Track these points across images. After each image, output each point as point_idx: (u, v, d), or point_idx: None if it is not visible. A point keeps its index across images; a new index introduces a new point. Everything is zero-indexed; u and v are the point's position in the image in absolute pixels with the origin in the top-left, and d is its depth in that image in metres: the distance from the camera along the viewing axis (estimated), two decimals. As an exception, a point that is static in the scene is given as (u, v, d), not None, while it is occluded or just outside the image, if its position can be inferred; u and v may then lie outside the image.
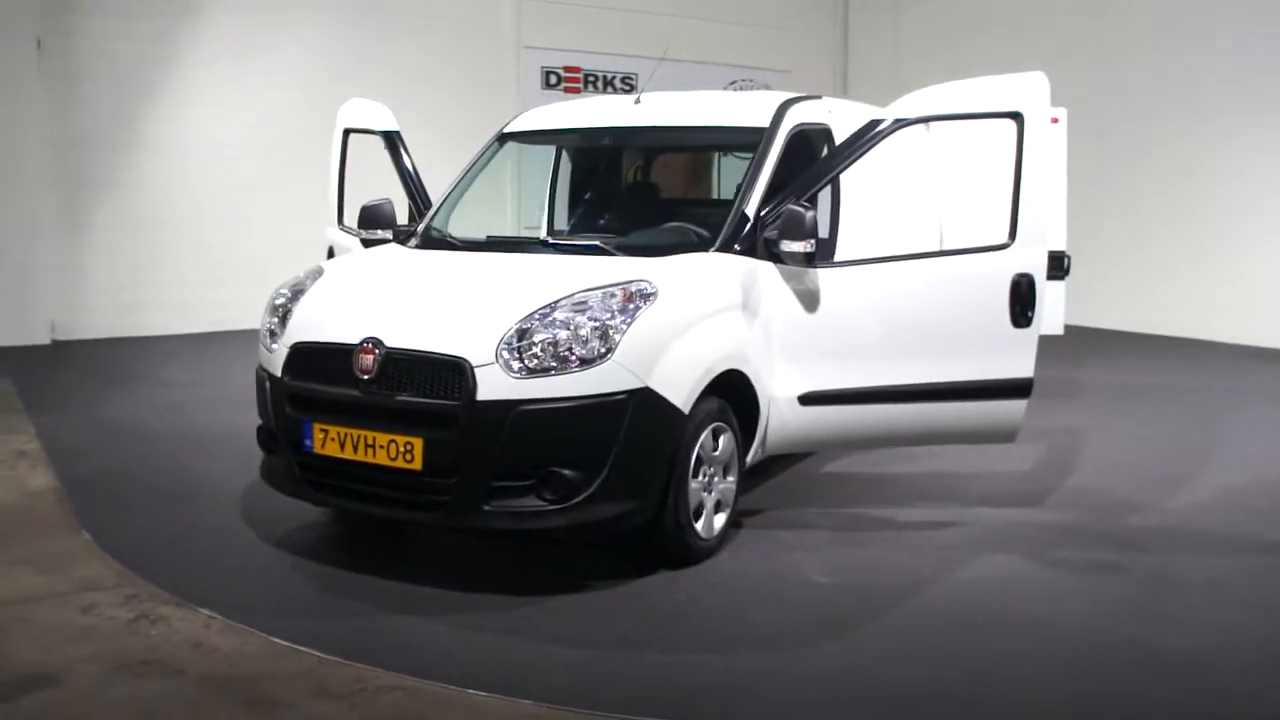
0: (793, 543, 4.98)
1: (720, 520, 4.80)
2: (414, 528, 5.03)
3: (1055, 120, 7.29)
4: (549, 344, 4.18)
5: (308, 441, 4.46)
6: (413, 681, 3.61)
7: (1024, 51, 12.55)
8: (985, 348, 5.05)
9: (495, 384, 4.13)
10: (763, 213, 4.98)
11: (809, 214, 4.80)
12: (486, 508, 4.19)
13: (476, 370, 4.13)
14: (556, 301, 4.30)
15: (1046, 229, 5.08)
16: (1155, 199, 11.81)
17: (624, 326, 4.24)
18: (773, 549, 4.88)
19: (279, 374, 4.62)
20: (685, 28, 13.81)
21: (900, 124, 5.04)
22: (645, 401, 4.26)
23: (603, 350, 4.19)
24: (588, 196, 6.23)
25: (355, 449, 4.32)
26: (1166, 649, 3.89)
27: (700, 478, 4.61)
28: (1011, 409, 5.11)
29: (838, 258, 5.44)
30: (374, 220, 5.73)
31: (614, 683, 3.64)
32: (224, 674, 3.68)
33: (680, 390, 4.38)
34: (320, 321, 4.61)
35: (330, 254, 6.54)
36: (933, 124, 7.57)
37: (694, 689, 3.60)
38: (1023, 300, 4.99)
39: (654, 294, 4.39)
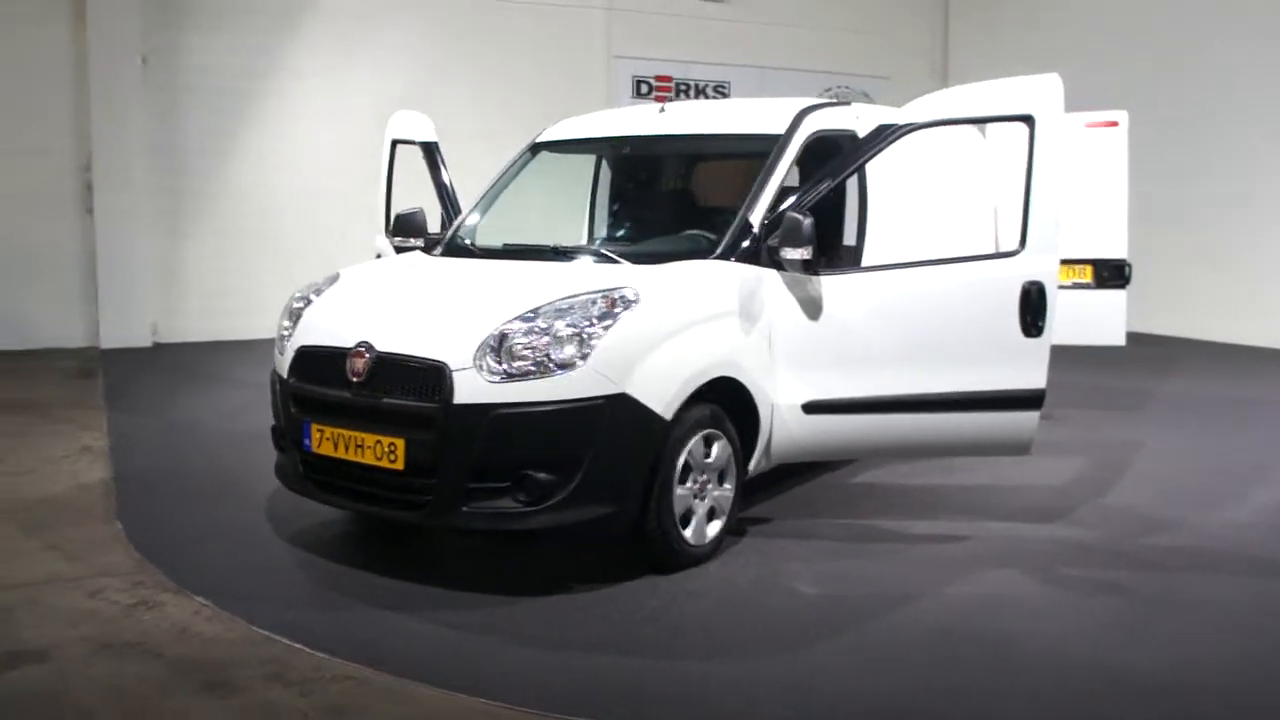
0: (792, 552, 4.95)
1: (715, 527, 4.80)
2: (427, 529, 5.17)
3: (1115, 124, 7.09)
4: (526, 349, 4.25)
5: (307, 441, 4.65)
6: (367, 673, 3.73)
7: (1122, 54, 12.17)
8: (995, 357, 4.94)
9: (472, 388, 4.23)
10: (767, 220, 4.97)
11: (806, 221, 4.77)
12: (465, 508, 4.29)
13: (455, 374, 4.24)
14: (538, 308, 4.38)
15: (1059, 235, 4.93)
16: (1234, 201, 11.39)
17: (601, 333, 4.29)
18: (768, 558, 4.86)
19: (286, 376, 4.82)
20: (779, 35, 13.81)
21: (909, 129, 4.95)
22: (622, 407, 4.30)
23: (579, 356, 4.25)
24: (619, 204, 6.30)
25: (347, 449, 4.48)
26: (1142, 673, 3.74)
27: (689, 484, 4.62)
28: (1023, 420, 4.98)
29: (865, 264, 5.39)
30: (406, 229, 5.92)
31: (564, 683, 3.68)
32: (196, 658, 3.86)
33: (661, 397, 4.41)
34: (323, 326, 4.79)
35: (378, 261, 6.75)
36: (987, 128, 7.51)
37: (643, 692, 3.62)
38: (1033, 309, 4.86)
39: (635, 301, 4.43)
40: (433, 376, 4.28)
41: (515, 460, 4.25)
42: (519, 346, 4.26)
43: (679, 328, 4.53)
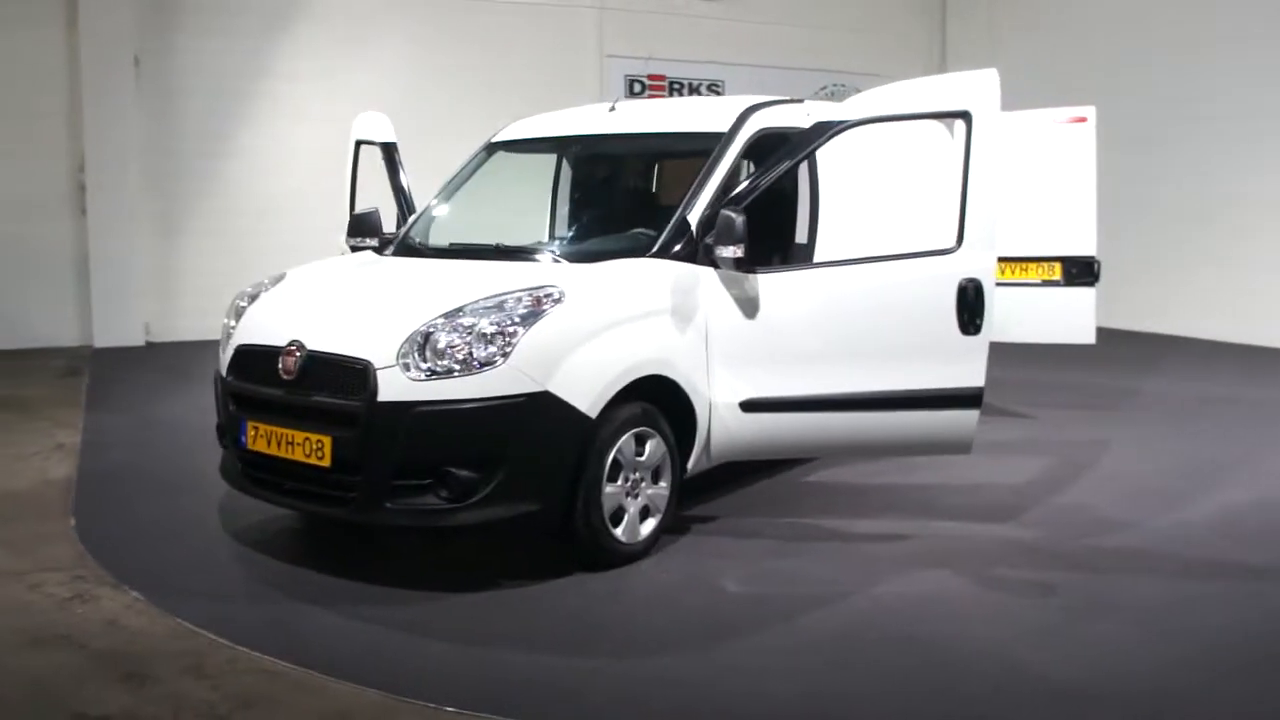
0: (729, 551, 4.96)
1: (649, 526, 4.81)
2: (369, 527, 5.20)
3: (1084, 120, 7.05)
4: (448, 348, 4.29)
5: (243, 438, 4.71)
6: (282, 666, 3.78)
7: (1121, 52, 12.10)
8: (933, 356, 4.93)
9: (395, 385, 4.27)
10: (706, 219, 4.98)
11: (738, 219, 4.78)
12: (389, 505, 4.34)
13: (378, 372, 4.29)
14: (463, 306, 4.41)
15: (996, 232, 4.92)
16: (1225, 199, 11.34)
17: (524, 331, 4.32)
18: (704, 556, 4.87)
19: (225, 374, 4.88)
20: (773, 33, 13.79)
21: (844, 126, 4.95)
22: (544, 405, 4.33)
23: (500, 354, 4.28)
24: (571, 203, 6.33)
25: (279, 446, 4.54)
26: (1051, 675, 3.71)
27: (619, 482, 4.64)
28: (962, 419, 4.97)
29: (816, 262, 5.38)
30: (361, 229, 5.97)
31: (469, 678, 3.72)
32: (120, 650, 3.93)
33: (586, 395, 4.43)
34: (260, 325, 4.85)
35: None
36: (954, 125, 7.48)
37: (541, 689, 3.64)
38: (970, 307, 4.85)
39: (559, 300, 4.45)
40: (358, 374, 4.33)
41: (437, 457, 4.28)
42: (442, 345, 4.30)
43: (605, 326, 4.55)
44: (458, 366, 4.28)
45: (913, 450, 5.28)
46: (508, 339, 4.30)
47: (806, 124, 5.60)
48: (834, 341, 4.99)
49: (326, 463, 4.39)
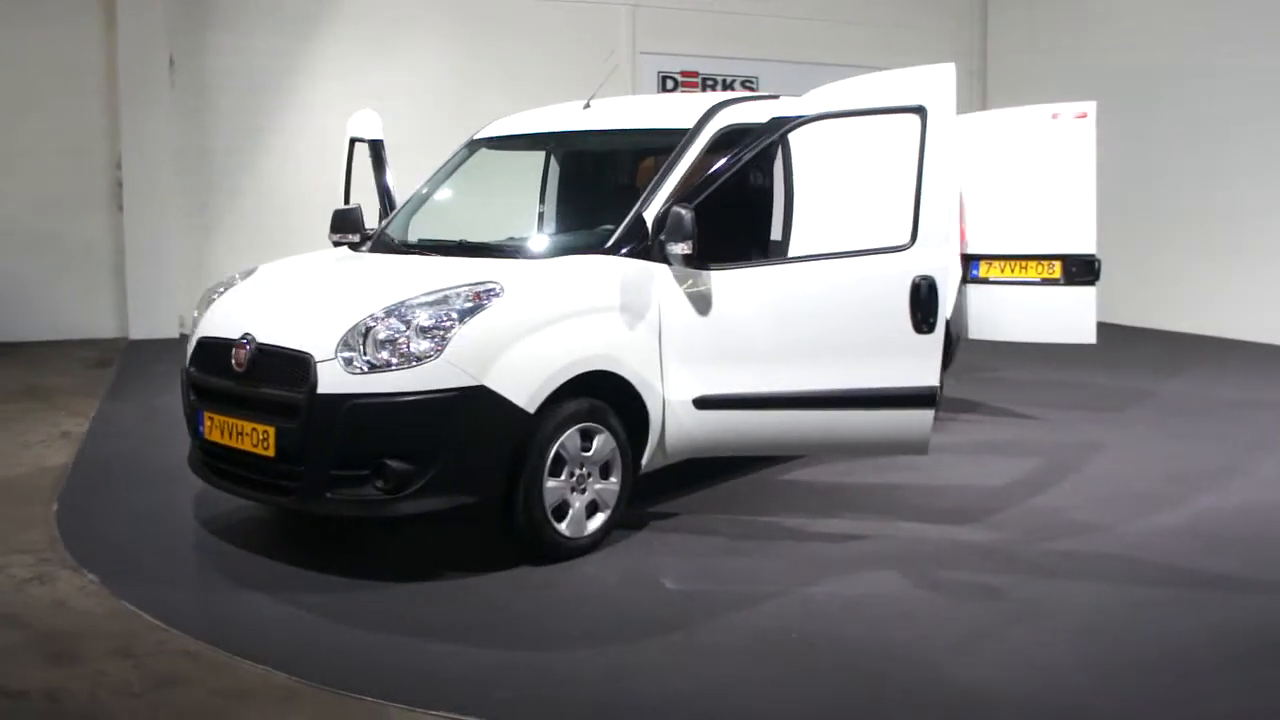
0: (681, 547, 4.97)
1: (597, 521, 4.84)
2: (336, 518, 5.26)
3: (1084, 115, 6.92)
4: (385, 341, 4.36)
5: (201, 428, 4.84)
6: (206, 648, 3.89)
7: (1164, 47, 11.82)
8: (886, 354, 4.89)
9: (333, 378, 4.35)
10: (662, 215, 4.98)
11: (687, 215, 4.78)
12: (329, 495, 4.42)
13: (318, 365, 4.37)
14: (404, 301, 4.47)
15: (951, 229, 4.86)
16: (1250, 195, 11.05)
17: (459, 326, 4.37)
18: (652, 552, 4.88)
19: (188, 365, 5.01)
20: (808, 29, 13.69)
21: (798, 122, 4.93)
22: (480, 399, 4.37)
23: (435, 349, 4.33)
24: (548, 199, 6.38)
25: (230, 436, 4.66)
26: (959, 682, 3.65)
27: (563, 477, 4.67)
28: (916, 419, 4.92)
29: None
30: (343, 225, 6.07)
31: (378, 664, 3.77)
32: (59, 630, 4.07)
33: (524, 390, 4.46)
34: (221, 318, 4.97)
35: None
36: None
37: (446, 677, 3.69)
38: (923, 305, 4.80)
39: (498, 295, 4.50)
40: (300, 367, 4.42)
41: (373, 449, 4.35)
42: (381, 339, 4.37)
43: (545, 322, 4.58)
44: (395, 360, 4.34)
45: (868, 450, 5.24)
46: (444, 334, 4.35)
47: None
48: (786, 339, 4.96)
49: (271, 453, 4.49)
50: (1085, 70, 12.29)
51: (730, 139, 5.38)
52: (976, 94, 14.15)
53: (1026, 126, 7.25)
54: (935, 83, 4.82)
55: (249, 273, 5.43)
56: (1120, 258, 12.17)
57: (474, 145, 6.27)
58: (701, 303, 4.97)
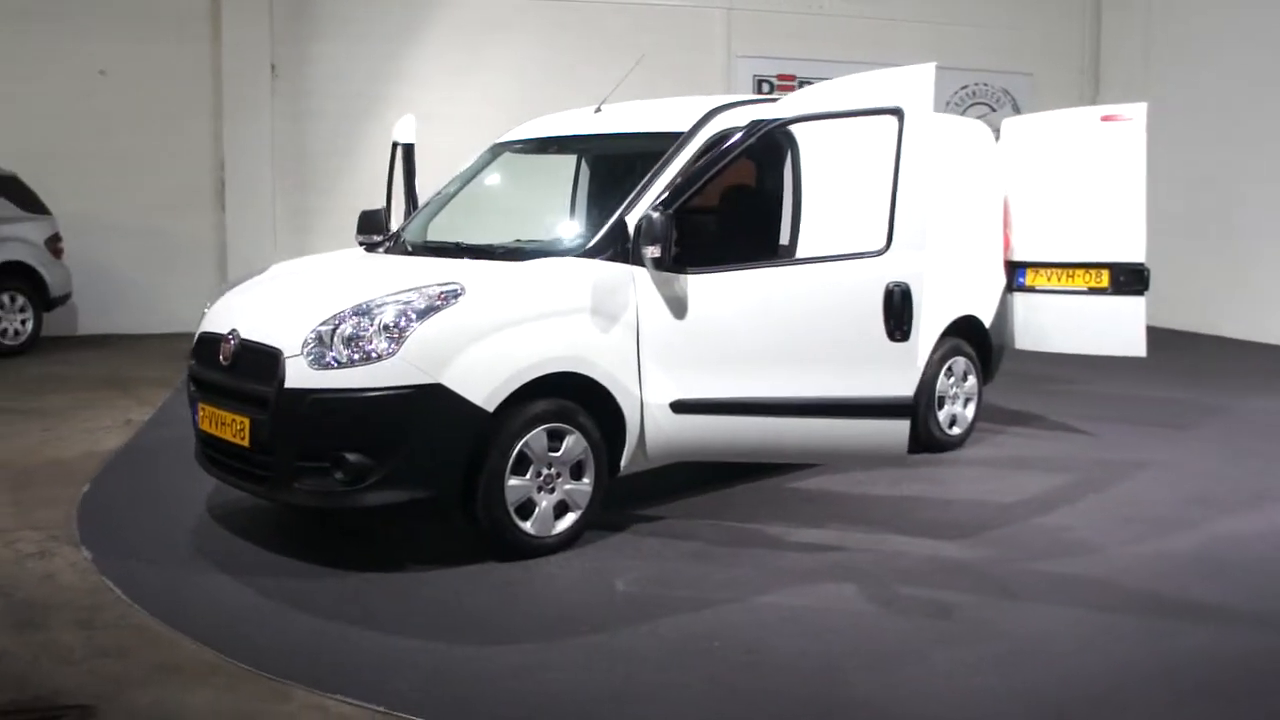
0: (652, 551, 4.96)
1: (566, 521, 4.88)
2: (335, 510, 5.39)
3: (1131, 118, 6.62)
4: (349, 339, 4.50)
5: (196, 418, 5.09)
6: (157, 625, 4.10)
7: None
8: (860, 363, 4.79)
9: (299, 373, 4.52)
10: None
11: (658, 218, 4.78)
12: (296, 485, 4.59)
13: (287, 360, 4.55)
14: (370, 300, 4.61)
15: (927, 234, 4.72)
16: None
17: (417, 326, 4.48)
18: (619, 554, 4.89)
19: (190, 359, 5.28)
20: (910, 30, 13.43)
21: (772, 124, 4.89)
22: (436, 397, 4.47)
23: (394, 347, 4.46)
24: (570, 201, 6.45)
25: (216, 426, 4.89)
26: (868, 701, 3.53)
27: (527, 476, 4.73)
28: (892, 429, 4.80)
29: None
30: (367, 226, 6.29)
31: (307, 649, 3.91)
32: (37, 601, 4.34)
33: (481, 389, 4.54)
34: (219, 314, 5.23)
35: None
36: (999, 125, 7.20)
37: (361, 665, 3.78)
38: (897, 312, 4.68)
39: (459, 296, 4.59)
40: (271, 361, 4.60)
41: (333, 442, 4.50)
42: (345, 336, 4.52)
43: (507, 323, 4.64)
44: (357, 357, 4.48)
45: (844, 458, 5.13)
46: (403, 333, 4.47)
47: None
48: (762, 344, 4.92)
49: (246, 443, 4.69)
50: (1205, 68, 11.70)
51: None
52: (1087, 94, 13.60)
53: (1075, 129, 6.96)
54: (913, 84, 4.70)
55: (260, 272, 5.67)
56: (1218, 263, 11.59)
57: (497, 149, 6.40)
58: (679, 306, 4.97)
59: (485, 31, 12.39)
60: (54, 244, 10.41)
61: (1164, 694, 3.66)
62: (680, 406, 5.00)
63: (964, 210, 6.84)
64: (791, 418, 4.93)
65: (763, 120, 4.94)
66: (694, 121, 5.37)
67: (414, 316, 4.51)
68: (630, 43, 12.71)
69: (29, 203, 10.26)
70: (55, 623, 4.13)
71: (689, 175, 5.01)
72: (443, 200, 6.29)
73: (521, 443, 4.69)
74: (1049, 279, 7.06)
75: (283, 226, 11.86)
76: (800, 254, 5.15)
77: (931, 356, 6.62)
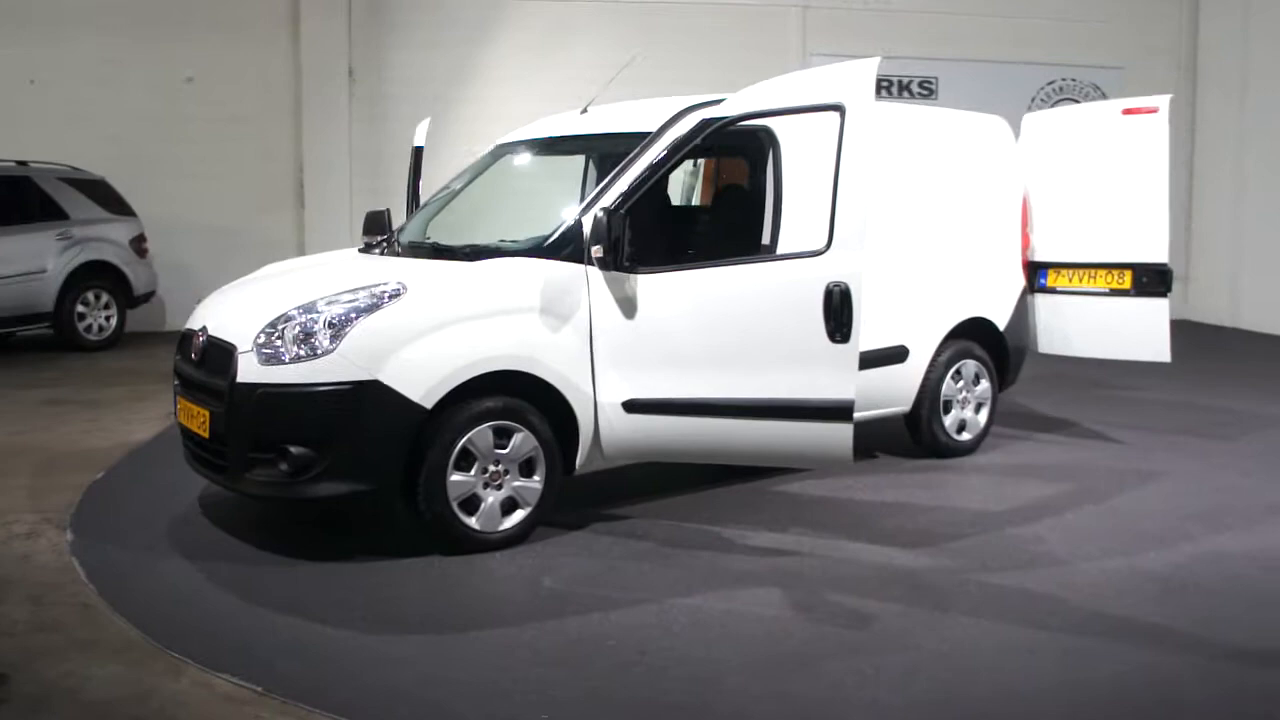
0: (599, 549, 4.98)
1: (515, 517, 4.94)
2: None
3: (1155, 110, 6.34)
4: (295, 336, 4.66)
5: (175, 410, 5.34)
6: (100, 603, 4.34)
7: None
8: (802, 364, 4.72)
9: (249, 368, 4.70)
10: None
11: (604, 219, 4.80)
12: (249, 476, 4.78)
13: (239, 356, 4.74)
14: (318, 298, 4.76)
15: (867, 233, 4.61)
16: None
17: (357, 323, 4.61)
18: (564, 552, 4.92)
19: (175, 355, 5.54)
20: (993, 25, 13.06)
21: (719, 123, 4.85)
22: (373, 393, 4.59)
23: (333, 345, 4.59)
24: (581, 198, 6.47)
25: (188, 419, 5.12)
26: (736, 710, 3.51)
27: (472, 472, 4.81)
28: (835, 433, 4.70)
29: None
30: (372, 226, 6.49)
31: (222, 634, 4.07)
32: (3, 577, 4.63)
33: (420, 386, 4.63)
34: (199, 310, 5.47)
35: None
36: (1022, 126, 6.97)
37: (256, 646, 3.94)
38: (836, 313, 4.59)
39: (400, 295, 4.70)
40: (227, 357, 4.80)
41: (278, 435, 4.66)
42: (292, 333, 4.68)
43: (447, 322, 4.73)
44: (303, 353, 4.64)
45: (789, 461, 5.05)
46: (343, 331, 4.61)
47: (769, 121, 5.50)
48: (706, 344, 4.89)
49: (206, 434, 4.91)
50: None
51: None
52: (1184, 89, 12.95)
53: (1096, 123, 6.68)
54: (854, 79, 4.60)
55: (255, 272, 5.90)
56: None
57: (499, 150, 6.51)
58: (629, 306, 4.98)
59: (556, 33, 12.55)
60: (139, 244, 10.99)
61: (1056, 715, 3.51)
62: (632, 406, 5.00)
63: (975, 208, 6.63)
64: (738, 419, 4.88)
65: (710, 119, 4.91)
66: (662, 122, 5.36)
67: (355, 315, 4.64)
68: (702, 41, 12.72)
69: (115, 205, 10.87)
70: (11, 598, 4.40)
71: (640, 175, 5.01)
72: (442, 201, 6.44)
73: (465, 439, 4.77)
74: (1070, 280, 6.80)
75: (359, 224, 12.19)
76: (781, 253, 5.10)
77: (936, 359, 6.45)
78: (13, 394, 8.57)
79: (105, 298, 10.70)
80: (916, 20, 12.92)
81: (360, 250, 6.20)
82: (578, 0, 12.68)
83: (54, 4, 11.45)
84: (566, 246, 5.03)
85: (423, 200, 6.86)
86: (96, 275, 10.61)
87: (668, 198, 6.87)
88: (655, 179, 4.98)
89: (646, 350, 4.98)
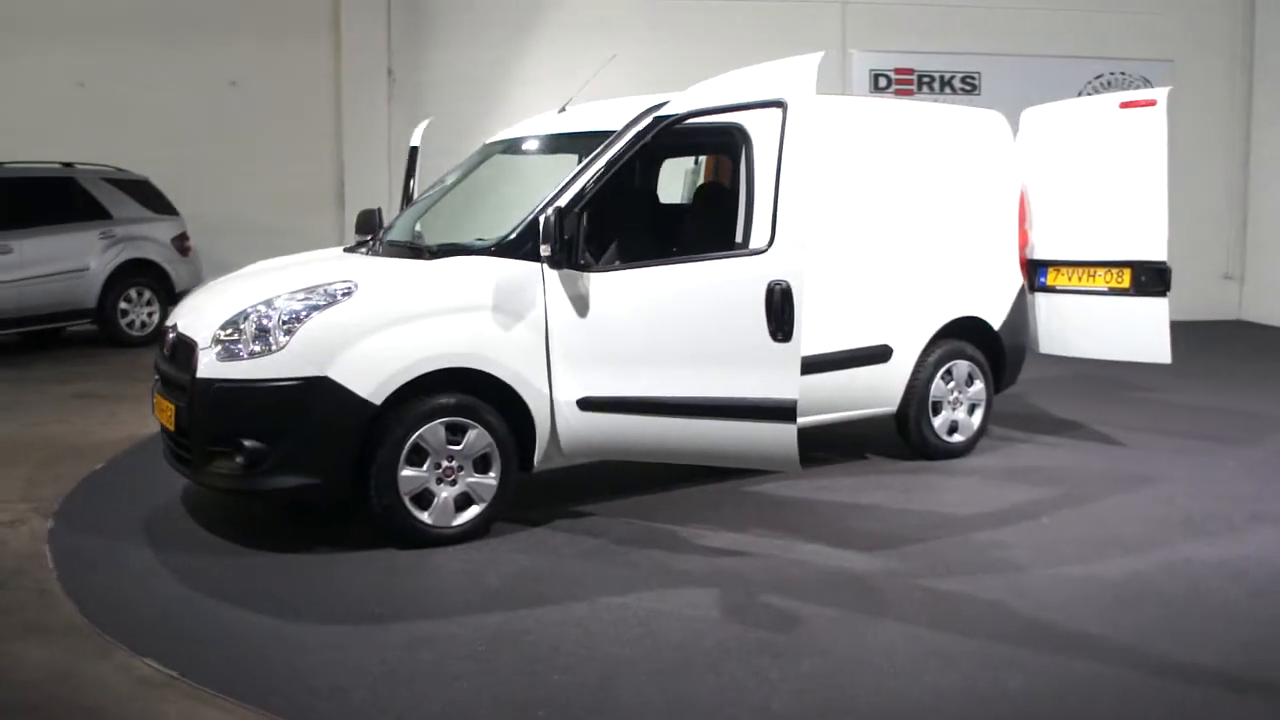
0: (549, 547, 5.00)
1: (470, 513, 4.99)
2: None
3: (1153, 103, 6.16)
4: (251, 333, 4.77)
5: (151, 406, 5.50)
6: (56, 588, 4.50)
7: None
8: (745, 364, 4.68)
9: (208, 364, 4.81)
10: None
11: (551, 219, 4.83)
12: (209, 468, 4.90)
13: (199, 352, 4.86)
14: (276, 296, 4.87)
15: (807, 231, 4.56)
16: None
17: (309, 321, 4.70)
18: (515, 549, 4.95)
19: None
20: (1038, 18, 12.77)
21: (665, 121, 4.85)
22: (322, 389, 4.67)
23: (284, 341, 4.69)
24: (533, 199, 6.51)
25: (160, 413, 5.27)
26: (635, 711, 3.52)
27: (424, 467, 4.88)
28: (779, 433, 4.66)
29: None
30: (362, 226, 6.60)
31: (156, 620, 4.20)
32: (-25, 560, 4.85)
33: (368, 382, 4.71)
34: (179, 308, 5.62)
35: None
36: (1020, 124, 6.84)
37: (194, 636, 4.05)
38: (777, 312, 4.55)
39: (350, 293, 4.78)
40: (189, 352, 4.93)
41: (233, 428, 4.77)
42: (249, 330, 4.79)
43: (397, 319, 4.79)
44: (258, 349, 4.75)
45: (736, 461, 5.00)
46: (295, 328, 4.70)
47: (741, 119, 5.45)
48: (655, 343, 4.88)
49: (173, 428, 5.05)
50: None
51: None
52: (1240, 84, 12.51)
53: (1094, 117, 6.50)
54: (795, 76, 4.55)
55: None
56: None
57: (487, 149, 6.58)
58: (582, 305, 4.99)
59: (595, 32, 12.56)
60: (181, 242, 11.32)
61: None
62: (586, 404, 5.02)
63: (967, 206, 6.50)
64: (686, 418, 4.86)
65: (660, 118, 4.91)
66: (627, 121, 5.36)
67: (309, 312, 4.74)
68: (741, 38, 12.61)
69: (158, 204, 11.20)
70: (-19, 578, 4.60)
71: (595, 175, 5.02)
72: (430, 200, 6.52)
73: (416, 435, 4.83)
74: (1070, 279, 6.63)
75: (399, 225, 12.42)
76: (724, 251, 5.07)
77: (925, 359, 6.34)
78: (47, 387, 8.89)
79: (148, 295, 11.03)
80: (958, 14, 12.68)
81: (345, 249, 6.31)
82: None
83: (103, 10, 11.84)
84: (524, 245, 5.06)
85: (414, 198, 6.93)
86: (139, 273, 10.94)
87: (655, 196, 6.88)
88: (606, 178, 4.98)
89: (599, 348, 4.99)
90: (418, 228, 6.32)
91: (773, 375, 4.61)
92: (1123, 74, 12.67)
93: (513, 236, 5.10)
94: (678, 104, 4.91)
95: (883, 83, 12.96)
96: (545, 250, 4.85)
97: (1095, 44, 12.59)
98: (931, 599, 4.40)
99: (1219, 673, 3.75)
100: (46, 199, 10.49)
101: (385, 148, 12.29)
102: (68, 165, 10.76)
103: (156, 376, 5.57)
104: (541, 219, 4.89)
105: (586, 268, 4.98)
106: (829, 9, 12.83)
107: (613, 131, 5.34)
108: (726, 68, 12.02)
